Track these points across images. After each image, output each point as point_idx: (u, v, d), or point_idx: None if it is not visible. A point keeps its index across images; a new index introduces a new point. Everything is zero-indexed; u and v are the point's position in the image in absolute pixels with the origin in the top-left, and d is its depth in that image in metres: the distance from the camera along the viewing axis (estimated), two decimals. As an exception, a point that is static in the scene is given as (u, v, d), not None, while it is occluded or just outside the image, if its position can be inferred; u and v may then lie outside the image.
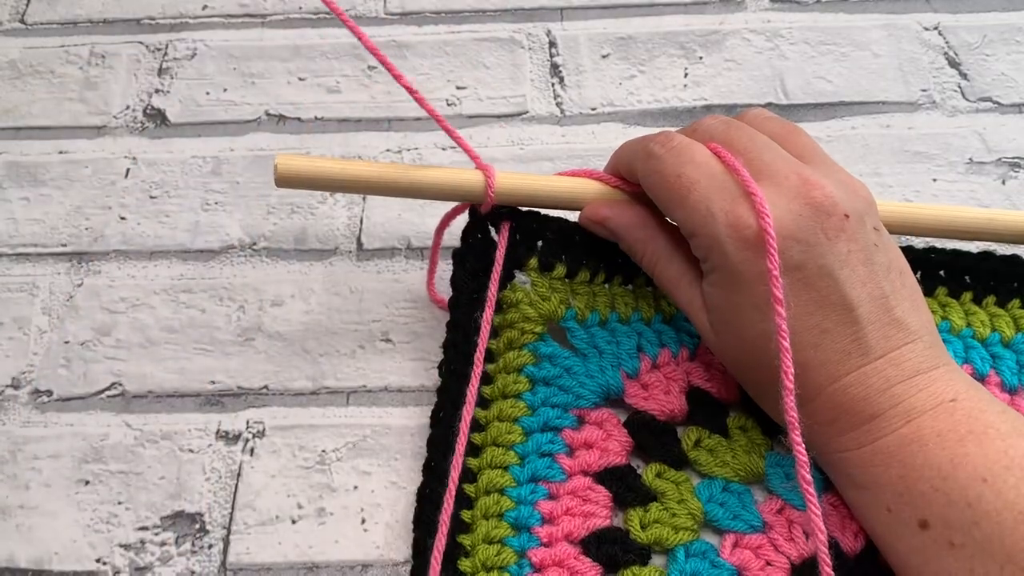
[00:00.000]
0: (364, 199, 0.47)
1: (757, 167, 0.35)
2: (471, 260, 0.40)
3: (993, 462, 0.30)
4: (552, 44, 0.53)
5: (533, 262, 0.40)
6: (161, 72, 0.52)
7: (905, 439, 0.32)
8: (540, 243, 0.40)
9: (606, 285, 0.41)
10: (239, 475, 0.39)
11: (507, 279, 0.40)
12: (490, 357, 0.39)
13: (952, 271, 0.41)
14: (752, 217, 0.33)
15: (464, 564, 0.34)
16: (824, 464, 0.36)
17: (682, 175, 0.35)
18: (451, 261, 0.40)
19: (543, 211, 0.41)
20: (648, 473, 0.37)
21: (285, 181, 0.38)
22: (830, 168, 0.36)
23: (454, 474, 0.35)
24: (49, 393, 0.41)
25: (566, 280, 0.40)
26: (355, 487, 0.38)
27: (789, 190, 0.34)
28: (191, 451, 0.39)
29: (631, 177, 0.38)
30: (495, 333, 0.39)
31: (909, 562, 0.32)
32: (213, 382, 0.41)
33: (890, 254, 0.35)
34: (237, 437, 0.40)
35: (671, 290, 0.38)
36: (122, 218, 0.46)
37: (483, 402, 0.38)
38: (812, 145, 0.37)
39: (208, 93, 0.51)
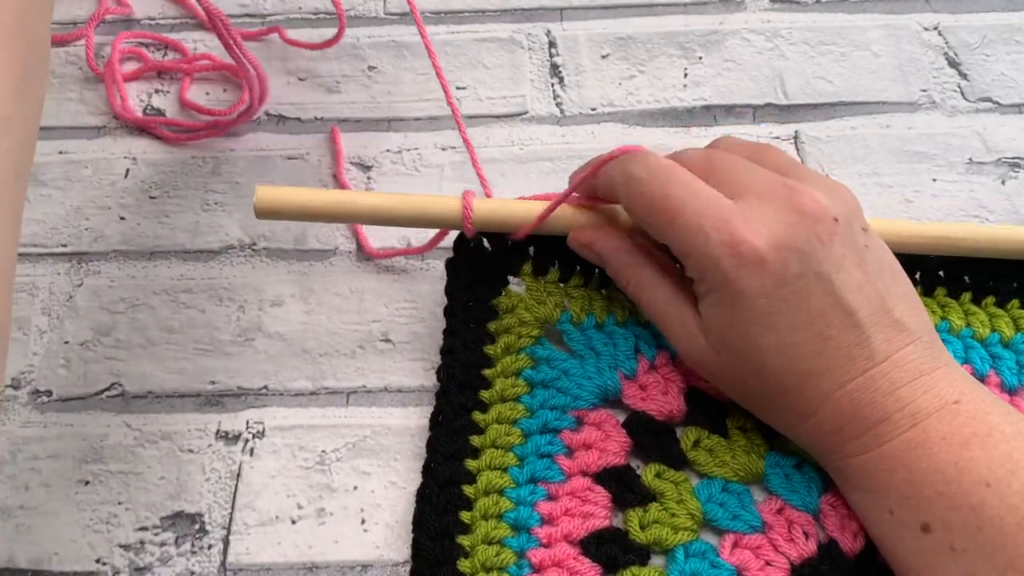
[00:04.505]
0: (364, 199, 0.47)
1: (743, 185, 0.35)
2: (464, 269, 0.40)
3: (997, 466, 0.30)
4: (552, 44, 0.53)
5: (527, 267, 0.41)
6: (160, 72, 0.52)
7: (911, 443, 0.32)
8: (532, 248, 0.41)
9: (602, 290, 0.41)
10: (239, 475, 0.39)
11: (502, 285, 0.41)
12: (488, 362, 0.39)
13: (951, 271, 0.41)
14: (746, 232, 0.33)
15: (464, 565, 0.34)
16: (829, 469, 0.36)
17: (669, 195, 0.34)
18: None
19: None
20: (647, 473, 0.37)
21: (264, 213, 0.38)
22: (811, 176, 0.36)
23: None
24: (49, 393, 0.41)
25: (560, 284, 0.41)
26: (355, 487, 0.38)
27: (778, 201, 0.33)
28: (191, 451, 0.39)
29: (609, 198, 0.38)
30: (492, 339, 0.40)
31: (910, 565, 0.32)
32: (213, 382, 0.41)
33: (880, 255, 0.35)
34: (237, 437, 0.40)
35: (658, 317, 0.37)
36: (122, 218, 0.46)
37: (482, 406, 0.38)
38: (787, 158, 0.37)
39: (208, 93, 0.51)
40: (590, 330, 0.40)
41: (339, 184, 0.47)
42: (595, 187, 0.39)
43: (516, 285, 0.41)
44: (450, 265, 0.41)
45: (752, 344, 0.34)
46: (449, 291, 0.40)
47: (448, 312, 0.40)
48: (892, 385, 0.33)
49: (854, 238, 0.34)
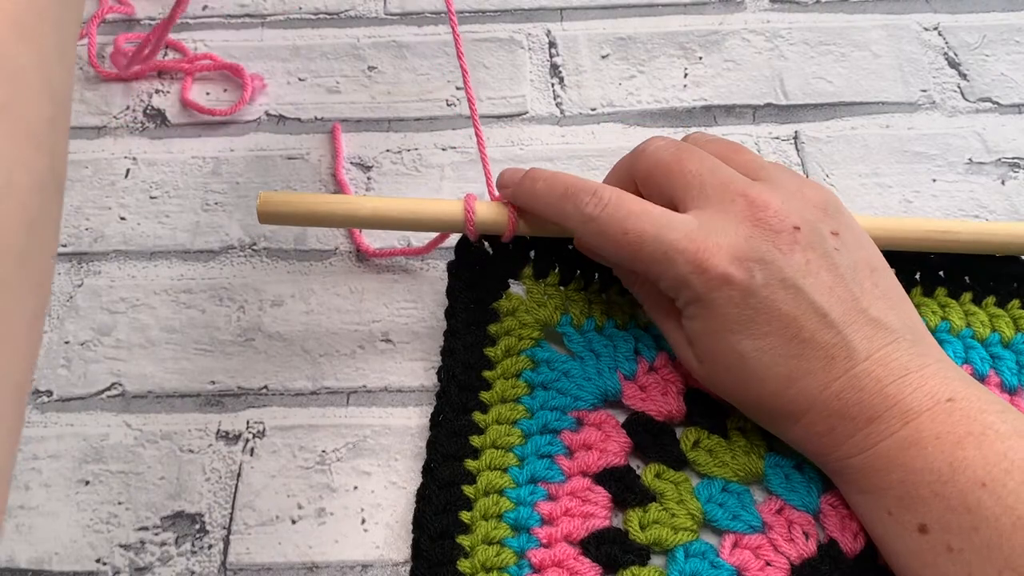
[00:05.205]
0: (364, 199, 0.47)
1: (706, 193, 0.35)
2: (465, 272, 0.41)
3: (992, 465, 0.30)
4: (552, 44, 0.53)
5: (528, 270, 0.41)
6: (161, 72, 0.52)
7: (904, 442, 0.32)
8: (533, 252, 0.41)
9: (602, 294, 0.41)
10: (239, 475, 0.39)
11: (502, 288, 0.41)
12: (488, 364, 0.39)
13: (952, 271, 0.41)
14: (708, 251, 0.33)
15: (463, 565, 0.34)
16: (828, 472, 0.36)
17: (628, 231, 0.35)
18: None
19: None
20: (647, 474, 0.37)
21: (268, 218, 0.38)
22: (778, 181, 0.36)
23: None
24: (49, 393, 0.41)
25: (560, 287, 0.41)
26: (355, 487, 0.38)
27: (737, 215, 0.34)
28: (191, 451, 0.39)
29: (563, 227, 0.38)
30: (492, 341, 0.40)
31: (908, 565, 0.32)
32: (213, 382, 0.41)
33: (855, 255, 0.35)
34: (237, 437, 0.40)
35: (659, 322, 0.38)
36: (122, 218, 0.46)
37: (482, 406, 0.38)
38: (757, 160, 0.38)
39: (208, 93, 0.51)
40: (590, 332, 0.40)
41: (337, 182, 0.47)
42: (546, 214, 0.38)
43: (516, 288, 0.42)
44: (451, 268, 0.41)
45: (729, 351, 0.34)
46: (450, 293, 0.41)
47: (449, 314, 0.40)
48: (878, 383, 0.33)
49: (820, 242, 0.34)
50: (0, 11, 0.20)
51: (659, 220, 0.35)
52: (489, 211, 0.39)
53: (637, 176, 0.38)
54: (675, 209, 0.36)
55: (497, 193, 0.41)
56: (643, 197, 0.37)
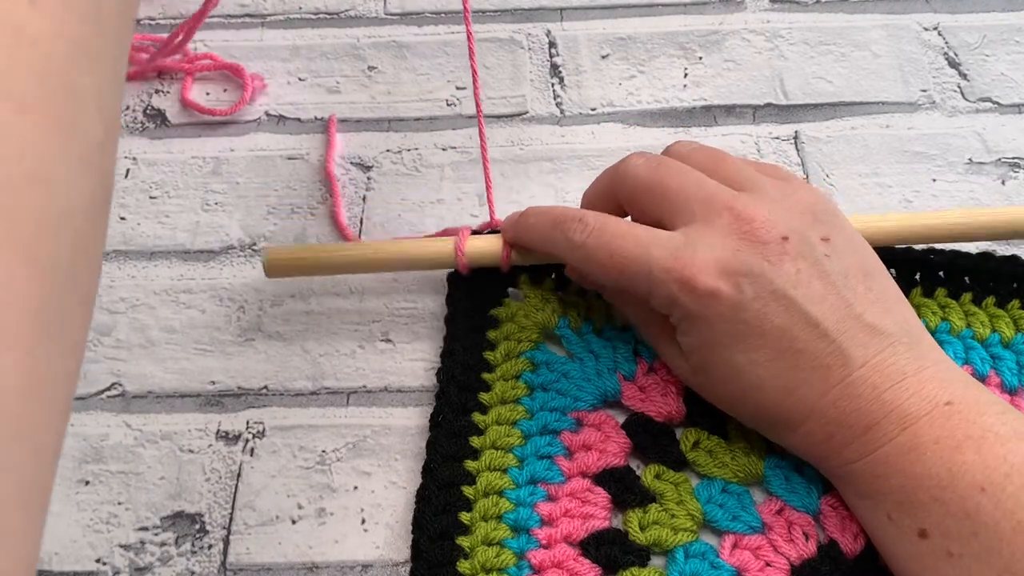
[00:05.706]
0: (364, 199, 0.47)
1: (691, 209, 0.35)
2: (464, 280, 0.41)
3: (992, 470, 0.30)
4: (552, 44, 0.53)
5: (524, 277, 0.41)
6: (161, 72, 0.52)
7: (903, 447, 0.32)
8: None
9: (600, 298, 0.42)
10: (239, 475, 0.39)
11: (501, 295, 0.41)
12: (488, 367, 0.40)
13: (951, 272, 0.41)
14: (695, 268, 0.33)
15: (463, 566, 0.34)
16: (828, 476, 0.36)
17: (614, 254, 0.35)
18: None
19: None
20: (647, 474, 0.37)
21: (274, 271, 0.40)
22: (764, 190, 0.36)
23: None
24: (49, 393, 0.41)
25: (557, 292, 0.41)
26: (355, 487, 0.38)
27: (723, 228, 0.34)
28: (191, 451, 0.39)
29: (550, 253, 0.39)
30: (492, 346, 0.40)
31: (909, 569, 0.32)
32: (213, 382, 0.41)
33: (847, 260, 0.34)
34: (237, 437, 0.40)
35: (653, 341, 0.39)
36: (122, 218, 0.46)
37: (481, 407, 0.38)
38: (741, 168, 0.37)
39: (208, 93, 0.51)
40: (588, 334, 0.41)
41: (327, 176, 0.47)
42: (531, 243, 0.39)
43: (515, 294, 0.42)
44: (451, 276, 0.42)
45: (724, 364, 0.34)
46: (450, 301, 0.41)
47: (448, 320, 0.41)
48: (875, 390, 0.32)
49: (810, 251, 0.34)
50: (68, 36, 0.20)
51: (644, 240, 0.35)
52: (482, 246, 0.40)
53: (621, 198, 0.38)
54: (663, 227, 0.36)
55: (495, 211, 0.42)
56: (630, 217, 0.37)
